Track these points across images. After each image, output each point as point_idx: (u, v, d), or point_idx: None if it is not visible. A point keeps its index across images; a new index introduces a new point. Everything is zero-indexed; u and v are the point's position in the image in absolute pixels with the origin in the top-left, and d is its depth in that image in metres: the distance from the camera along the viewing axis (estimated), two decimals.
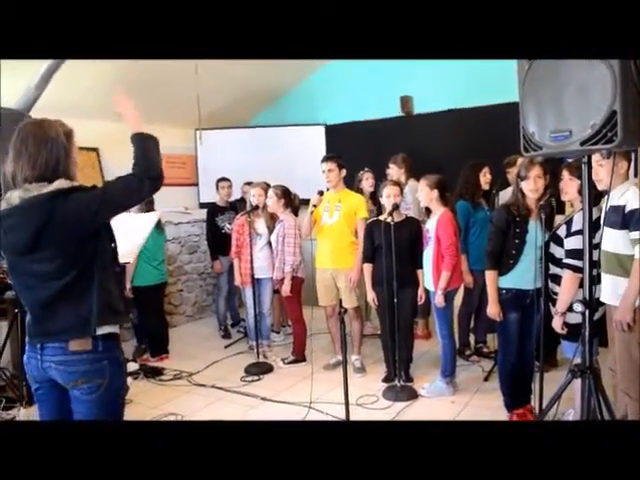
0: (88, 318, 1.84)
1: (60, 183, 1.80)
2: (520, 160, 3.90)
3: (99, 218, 1.85)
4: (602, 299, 2.69)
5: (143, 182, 1.89)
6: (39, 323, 1.88)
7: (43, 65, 3.68)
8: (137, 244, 2.26)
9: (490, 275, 3.18)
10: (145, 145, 1.94)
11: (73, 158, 1.89)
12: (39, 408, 2.02)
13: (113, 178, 1.93)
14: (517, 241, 3.09)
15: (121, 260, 2.06)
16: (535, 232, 3.03)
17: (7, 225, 1.79)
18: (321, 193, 4.28)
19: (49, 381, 1.91)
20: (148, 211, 4.69)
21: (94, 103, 5.18)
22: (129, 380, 4.23)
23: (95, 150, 5.66)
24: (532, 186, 3.02)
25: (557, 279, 2.91)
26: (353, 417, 3.20)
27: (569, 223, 2.84)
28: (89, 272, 1.84)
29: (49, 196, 1.77)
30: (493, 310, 3.18)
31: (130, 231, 2.20)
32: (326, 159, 4.33)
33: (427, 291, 3.89)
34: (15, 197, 1.79)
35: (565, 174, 2.90)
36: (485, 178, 4.31)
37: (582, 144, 1.83)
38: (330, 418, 3.45)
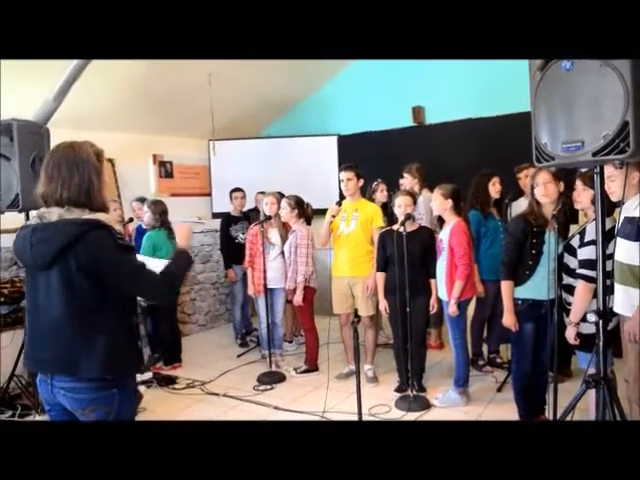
0: (95, 362, 1.80)
1: (102, 216, 1.83)
2: (531, 169, 3.90)
3: (114, 266, 1.82)
4: (616, 309, 2.67)
5: (156, 291, 1.98)
6: (44, 349, 1.86)
7: (61, 77, 3.74)
8: None
9: (506, 285, 3.17)
10: (180, 268, 2.05)
11: (104, 180, 1.91)
12: None
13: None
14: (534, 252, 3.08)
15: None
16: (551, 242, 3.03)
17: (37, 238, 1.80)
18: (339, 203, 4.31)
19: (59, 405, 1.90)
20: (162, 222, 4.74)
21: (109, 115, 5.27)
22: (142, 388, 4.26)
23: (110, 160, 5.73)
24: (543, 192, 3.02)
25: (571, 289, 2.90)
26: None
27: (582, 233, 2.84)
28: (103, 311, 1.83)
29: (85, 221, 1.79)
30: (509, 320, 3.17)
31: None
32: (345, 168, 4.36)
33: (440, 301, 3.89)
34: (54, 214, 1.81)
35: (578, 184, 2.90)
36: (495, 188, 4.31)
37: (594, 155, 1.83)
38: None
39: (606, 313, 2.07)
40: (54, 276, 1.80)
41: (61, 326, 1.81)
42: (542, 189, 3.02)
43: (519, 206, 4.19)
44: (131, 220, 5.17)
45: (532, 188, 3.12)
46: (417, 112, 6.14)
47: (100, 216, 1.83)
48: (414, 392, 3.86)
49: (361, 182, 4.35)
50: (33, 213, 1.88)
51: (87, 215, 1.81)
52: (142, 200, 5.16)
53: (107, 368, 1.82)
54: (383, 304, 4.05)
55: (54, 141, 3.65)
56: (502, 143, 5.17)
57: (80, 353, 1.80)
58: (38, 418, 3.66)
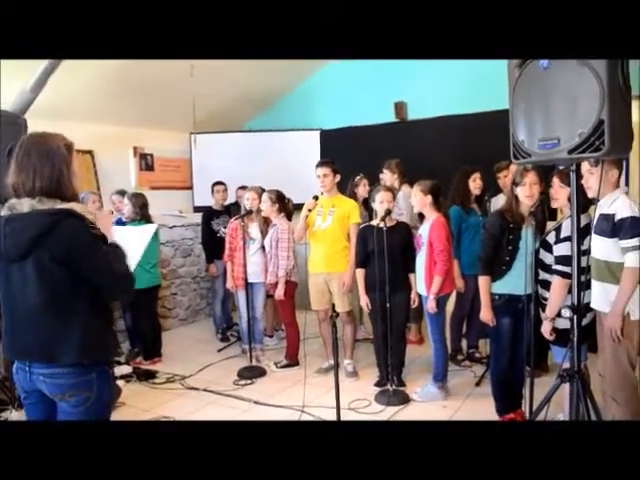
0: (73, 348, 1.83)
1: (74, 205, 1.84)
2: (513, 166, 3.94)
3: (87, 255, 1.83)
4: (592, 305, 2.72)
5: (124, 285, 1.95)
6: (23, 337, 1.87)
7: (39, 68, 3.69)
8: (135, 256, 2.30)
9: (483, 281, 3.21)
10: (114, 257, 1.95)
11: (74, 170, 1.91)
12: (27, 417, 2.03)
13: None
14: (510, 247, 3.12)
15: None
16: (528, 238, 3.06)
17: (10, 228, 1.81)
18: (316, 198, 4.30)
19: (38, 391, 1.92)
20: (143, 215, 4.71)
21: (89, 106, 5.21)
22: (122, 383, 4.23)
23: (89, 152, 5.67)
24: (527, 192, 3.04)
25: (547, 285, 2.94)
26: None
27: (558, 230, 2.87)
28: (78, 298, 1.85)
29: (58, 211, 1.80)
30: (486, 315, 3.21)
31: (128, 243, 2.24)
32: (321, 164, 4.36)
33: (420, 295, 3.91)
34: (26, 205, 1.81)
35: (555, 181, 2.93)
36: (475, 184, 4.35)
37: (570, 152, 1.86)
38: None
39: (580, 309, 2.11)
40: (29, 266, 1.81)
41: (38, 314, 1.83)
42: (527, 189, 3.03)
43: (499, 202, 4.24)
44: (111, 213, 5.11)
45: (513, 185, 3.14)
46: (399, 108, 6.15)
47: (73, 206, 1.84)
48: (393, 386, 3.88)
49: (338, 178, 4.35)
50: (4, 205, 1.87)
51: (59, 205, 1.82)
52: (122, 193, 5.11)
53: (84, 354, 1.85)
54: (365, 300, 4.06)
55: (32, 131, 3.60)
56: (483, 140, 5.19)
57: (58, 340, 1.83)
58: (15, 413, 3.62)
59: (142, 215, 4.72)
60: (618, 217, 2.55)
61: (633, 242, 2.49)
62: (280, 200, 4.53)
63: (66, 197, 1.85)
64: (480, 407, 3.57)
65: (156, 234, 4.93)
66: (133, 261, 2.03)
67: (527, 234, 3.07)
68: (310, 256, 4.41)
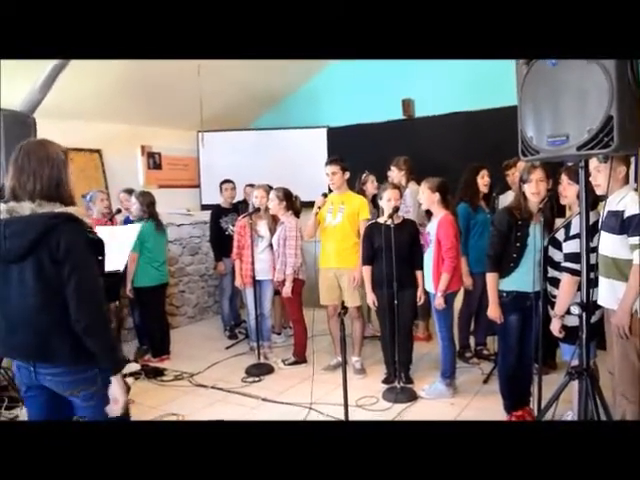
0: (66, 349, 1.85)
1: (72, 209, 1.88)
2: (521, 163, 3.92)
3: (78, 261, 1.84)
4: (600, 302, 2.70)
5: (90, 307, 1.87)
6: (19, 337, 1.88)
7: (47, 67, 3.71)
8: (125, 253, 2.35)
9: (491, 278, 3.20)
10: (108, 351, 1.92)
11: (70, 176, 1.96)
12: (28, 410, 2.06)
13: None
14: (518, 244, 3.11)
15: (112, 268, 2.11)
16: (536, 235, 3.05)
17: (10, 231, 1.83)
18: (325, 195, 4.32)
19: (40, 387, 1.95)
20: (150, 214, 4.73)
21: (97, 105, 5.23)
22: (130, 380, 4.25)
23: (98, 151, 5.70)
24: (534, 189, 3.04)
25: (556, 282, 2.93)
26: (353, 418, 3.22)
27: (567, 227, 2.86)
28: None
29: (57, 214, 1.84)
30: (494, 312, 3.20)
31: (116, 242, 2.27)
32: (330, 162, 4.37)
33: (427, 293, 3.91)
34: (26, 209, 1.84)
35: (564, 178, 2.92)
36: (483, 180, 4.33)
37: (579, 149, 1.85)
38: (329, 419, 3.46)
39: (589, 306, 2.10)
40: (27, 267, 1.84)
41: (35, 315, 1.86)
42: (534, 186, 3.03)
43: (507, 199, 4.22)
44: (119, 211, 5.12)
45: (521, 182, 3.13)
46: (407, 105, 6.14)
47: (71, 209, 1.88)
48: (401, 384, 3.89)
49: (347, 175, 4.36)
50: (2, 207, 1.88)
51: (59, 209, 1.86)
52: (129, 191, 5.13)
53: (77, 357, 1.87)
54: (371, 297, 4.07)
55: (41, 131, 3.62)
56: (491, 137, 5.18)
57: (52, 341, 1.86)
58: (25, 410, 3.64)
59: (149, 213, 4.73)
60: (627, 214, 2.53)
61: None
62: (287, 198, 4.54)
63: (65, 201, 1.89)
64: (488, 404, 3.57)
65: (164, 232, 4.96)
66: (125, 257, 2.06)
67: (535, 231, 3.06)
68: (321, 252, 4.44)
